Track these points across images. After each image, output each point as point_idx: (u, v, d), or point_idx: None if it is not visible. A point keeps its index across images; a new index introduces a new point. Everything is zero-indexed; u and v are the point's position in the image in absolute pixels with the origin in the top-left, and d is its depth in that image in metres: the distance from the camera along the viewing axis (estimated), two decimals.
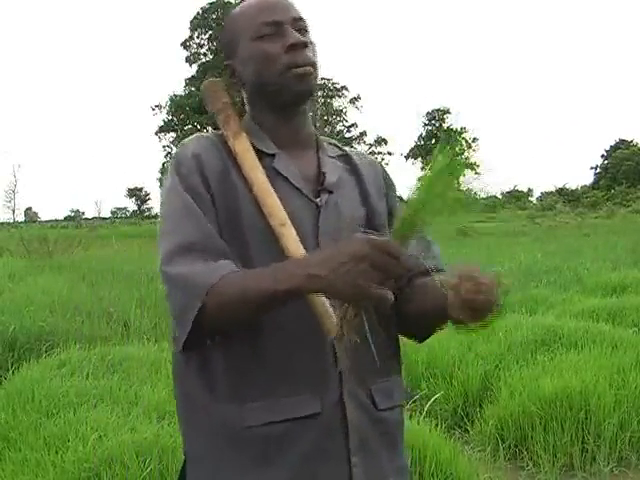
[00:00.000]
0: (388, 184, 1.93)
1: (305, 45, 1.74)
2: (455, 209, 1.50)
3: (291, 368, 1.62)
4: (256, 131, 1.78)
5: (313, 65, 1.75)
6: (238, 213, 1.66)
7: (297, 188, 1.72)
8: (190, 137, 1.78)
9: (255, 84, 1.76)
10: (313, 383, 1.64)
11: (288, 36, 1.72)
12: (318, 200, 1.74)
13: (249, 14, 1.76)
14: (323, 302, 1.56)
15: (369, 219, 1.80)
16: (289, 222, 1.64)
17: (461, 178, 1.51)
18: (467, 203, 1.52)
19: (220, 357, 1.64)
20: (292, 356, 1.62)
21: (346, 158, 1.88)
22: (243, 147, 1.72)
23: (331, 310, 1.56)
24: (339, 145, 1.93)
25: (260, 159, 1.71)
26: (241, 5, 1.81)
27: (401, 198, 1.83)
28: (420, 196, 1.48)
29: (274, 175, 1.71)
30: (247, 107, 1.83)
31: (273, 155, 1.75)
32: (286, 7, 1.77)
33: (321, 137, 1.89)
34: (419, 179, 1.50)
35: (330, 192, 1.76)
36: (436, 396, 5.71)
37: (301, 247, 1.62)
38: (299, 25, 1.77)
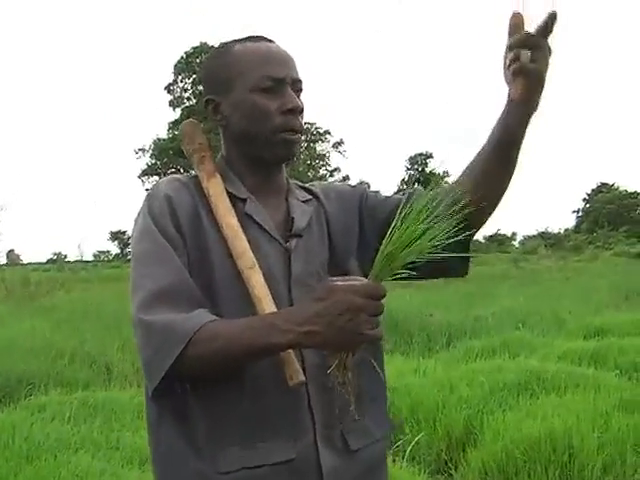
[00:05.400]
0: (362, 200, 1.91)
1: (301, 111, 1.75)
2: (432, 249, 1.51)
3: (266, 413, 1.63)
4: (228, 173, 1.78)
5: (302, 132, 1.77)
6: (208, 254, 1.66)
7: (268, 233, 1.73)
8: (162, 179, 1.77)
9: (241, 134, 1.76)
10: (287, 428, 1.64)
11: (287, 98, 1.73)
12: (288, 244, 1.75)
13: (253, 60, 1.74)
14: (289, 350, 1.58)
15: (331, 259, 1.81)
16: (257, 266, 1.65)
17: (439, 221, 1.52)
18: (445, 245, 1.53)
19: (195, 404, 1.63)
20: (266, 401, 1.63)
21: (314, 200, 1.88)
22: (217, 190, 1.72)
23: (294, 358, 1.58)
24: (309, 187, 1.93)
25: (232, 203, 1.72)
26: (245, 45, 1.78)
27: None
28: (398, 236, 1.50)
29: (246, 219, 1.72)
30: (222, 146, 1.83)
31: (244, 199, 1.75)
32: (290, 64, 1.77)
33: (292, 181, 1.89)
34: (397, 219, 1.52)
35: (299, 236, 1.77)
36: (417, 438, 5.70)
37: (267, 291, 1.63)
38: (297, 87, 1.77)
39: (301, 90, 1.78)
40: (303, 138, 1.79)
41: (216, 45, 1.84)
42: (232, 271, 1.65)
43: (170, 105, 64.29)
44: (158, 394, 1.59)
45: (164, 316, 1.56)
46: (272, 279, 1.67)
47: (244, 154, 1.78)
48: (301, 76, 1.79)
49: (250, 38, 1.80)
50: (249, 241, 1.67)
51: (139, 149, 64.69)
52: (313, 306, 1.50)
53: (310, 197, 1.88)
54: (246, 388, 1.62)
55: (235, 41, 1.81)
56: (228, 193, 1.73)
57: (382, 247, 1.53)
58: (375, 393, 1.82)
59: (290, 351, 1.57)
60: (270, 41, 1.80)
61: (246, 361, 1.59)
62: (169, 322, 1.55)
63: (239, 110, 1.74)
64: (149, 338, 1.57)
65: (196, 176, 1.78)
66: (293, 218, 1.78)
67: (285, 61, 1.76)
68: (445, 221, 1.51)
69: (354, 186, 1.96)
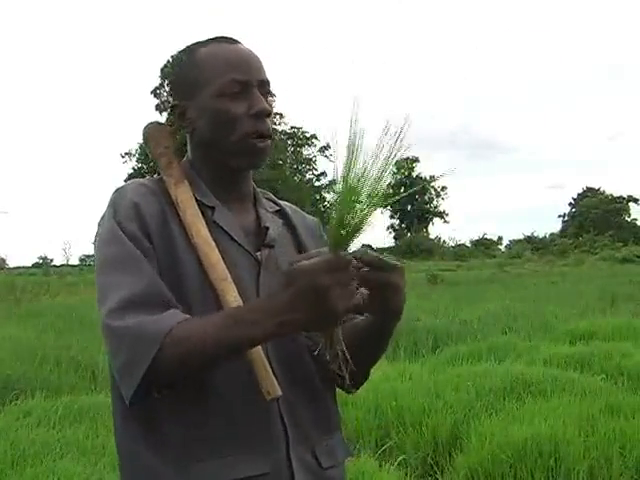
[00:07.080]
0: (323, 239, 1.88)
1: (269, 114, 1.70)
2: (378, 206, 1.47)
3: (237, 426, 1.58)
4: (196, 180, 1.73)
5: (271, 136, 1.72)
6: (177, 261, 1.61)
7: (237, 242, 1.69)
8: (126, 184, 1.72)
9: (208, 139, 1.71)
10: (260, 442, 1.61)
11: (255, 100, 1.68)
12: (258, 254, 1.71)
13: (218, 65, 1.69)
14: (264, 364, 1.55)
15: None
16: (230, 278, 1.60)
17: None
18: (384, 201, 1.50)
19: (164, 416, 1.59)
20: (238, 414, 1.59)
21: (282, 213, 1.85)
22: (185, 197, 1.67)
23: (271, 372, 1.55)
24: (275, 200, 1.90)
25: (200, 210, 1.67)
26: (210, 48, 1.73)
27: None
28: (343, 200, 1.45)
29: (215, 228, 1.67)
30: (188, 152, 1.78)
31: (213, 207, 1.70)
32: (257, 67, 1.72)
33: (258, 190, 1.85)
34: (339, 187, 1.47)
35: (271, 247, 1.74)
36: (404, 455, 5.68)
37: (241, 304, 1.59)
38: (265, 89, 1.72)
39: (269, 92, 1.74)
40: (279, 143, 1.73)
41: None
42: (203, 282, 1.60)
43: (156, 109, 64.15)
44: (135, 401, 1.52)
45: (135, 320, 1.50)
46: (241, 289, 1.62)
47: (211, 161, 1.73)
48: (269, 77, 1.74)
49: (215, 40, 1.75)
50: (218, 250, 1.63)
51: (125, 153, 64.76)
52: (282, 295, 1.45)
53: (278, 208, 1.86)
54: (219, 399, 1.59)
55: (199, 44, 1.76)
56: (195, 200, 1.68)
57: (331, 216, 1.48)
58: (337, 419, 1.81)
59: (266, 365, 1.55)
60: (235, 42, 1.75)
61: (223, 358, 1.53)
62: (141, 324, 1.49)
63: (205, 116, 1.69)
64: (121, 343, 1.51)
65: (161, 179, 1.73)
66: (268, 227, 1.75)
67: (250, 63, 1.71)
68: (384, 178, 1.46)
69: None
